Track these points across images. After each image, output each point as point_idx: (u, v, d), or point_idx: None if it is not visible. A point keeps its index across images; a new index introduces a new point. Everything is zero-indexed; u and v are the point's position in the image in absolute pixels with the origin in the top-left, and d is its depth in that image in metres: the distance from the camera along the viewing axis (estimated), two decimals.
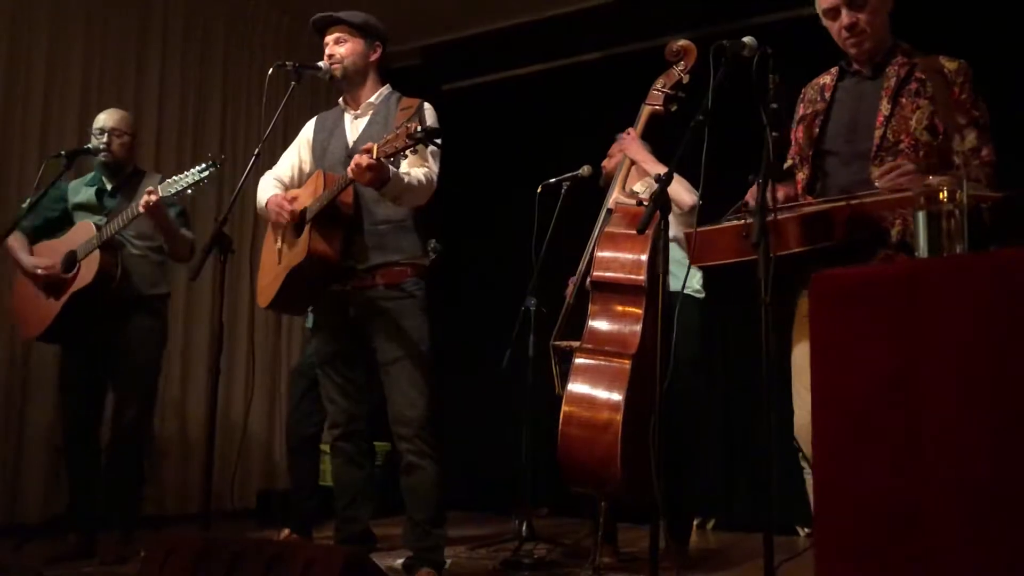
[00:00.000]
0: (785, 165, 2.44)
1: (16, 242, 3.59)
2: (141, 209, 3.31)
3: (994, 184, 2.07)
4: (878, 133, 2.19)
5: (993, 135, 2.18)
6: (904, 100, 2.19)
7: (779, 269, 1.95)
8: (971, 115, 2.15)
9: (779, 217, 2.01)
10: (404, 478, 2.92)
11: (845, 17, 2.23)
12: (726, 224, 2.19)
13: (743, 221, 2.16)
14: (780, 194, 2.17)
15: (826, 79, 2.40)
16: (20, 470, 4.28)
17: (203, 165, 3.29)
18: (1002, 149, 2.17)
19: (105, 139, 3.61)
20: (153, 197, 3.29)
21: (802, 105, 2.44)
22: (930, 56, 2.23)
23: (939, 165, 2.09)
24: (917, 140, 2.15)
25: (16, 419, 4.30)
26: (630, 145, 3.28)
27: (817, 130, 2.33)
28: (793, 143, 2.44)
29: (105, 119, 3.67)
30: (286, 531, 3.95)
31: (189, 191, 3.32)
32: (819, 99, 2.38)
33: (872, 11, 2.22)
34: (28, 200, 3.55)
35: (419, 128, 2.51)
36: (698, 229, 2.21)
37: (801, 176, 2.35)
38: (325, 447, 4.18)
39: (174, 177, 3.35)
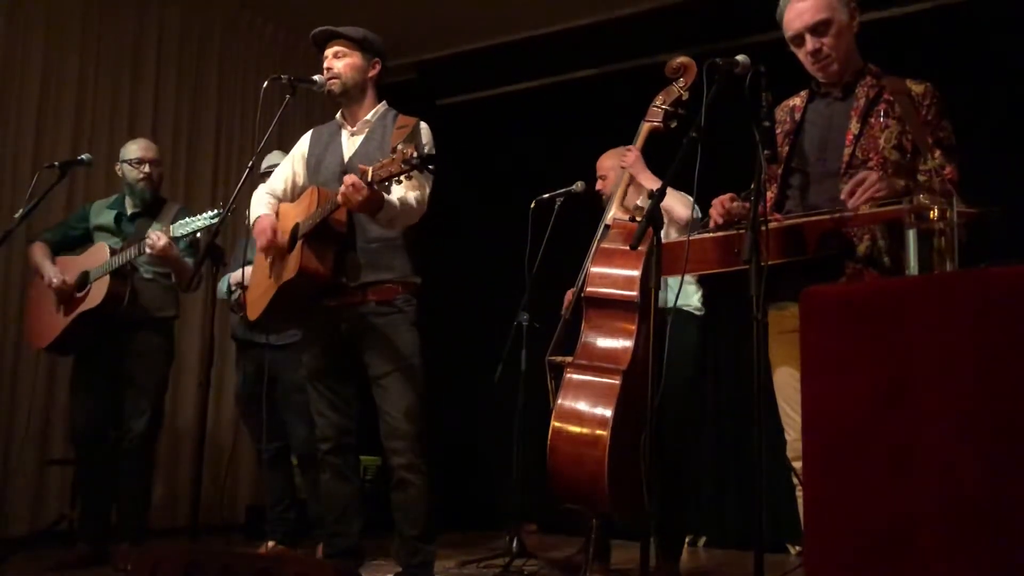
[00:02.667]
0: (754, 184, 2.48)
1: (39, 250, 3.75)
2: (149, 250, 3.45)
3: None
4: (847, 151, 2.23)
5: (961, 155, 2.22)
6: (873, 120, 2.24)
7: (748, 283, 1.98)
8: (936, 136, 2.20)
9: (741, 232, 2.04)
10: (395, 493, 2.90)
11: (810, 43, 2.28)
12: (697, 236, 2.24)
13: (714, 234, 2.21)
14: (738, 205, 2.21)
15: (796, 100, 2.44)
16: (6, 483, 4.24)
17: (215, 211, 3.42)
18: (969, 167, 2.21)
19: (146, 168, 3.77)
20: (161, 242, 3.42)
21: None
22: (897, 78, 2.29)
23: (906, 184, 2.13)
24: (885, 159, 2.20)
25: (2, 431, 4.27)
26: (632, 162, 3.29)
27: (787, 149, 2.36)
28: None
29: (144, 150, 3.82)
30: (271, 543, 3.93)
31: (198, 233, 3.47)
32: (788, 120, 2.41)
33: (836, 36, 2.26)
34: (20, 211, 3.59)
35: (415, 155, 2.50)
36: (669, 241, 2.25)
37: (770, 195, 2.38)
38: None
39: (186, 219, 3.47)
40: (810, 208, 2.22)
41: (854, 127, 2.24)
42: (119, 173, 3.85)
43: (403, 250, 2.94)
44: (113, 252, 3.58)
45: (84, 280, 3.61)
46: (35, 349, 3.93)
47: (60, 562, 3.51)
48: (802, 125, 2.37)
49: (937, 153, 2.17)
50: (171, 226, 3.47)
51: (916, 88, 2.25)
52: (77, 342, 3.67)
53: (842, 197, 2.08)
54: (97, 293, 3.55)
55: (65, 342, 3.66)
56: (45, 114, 4.58)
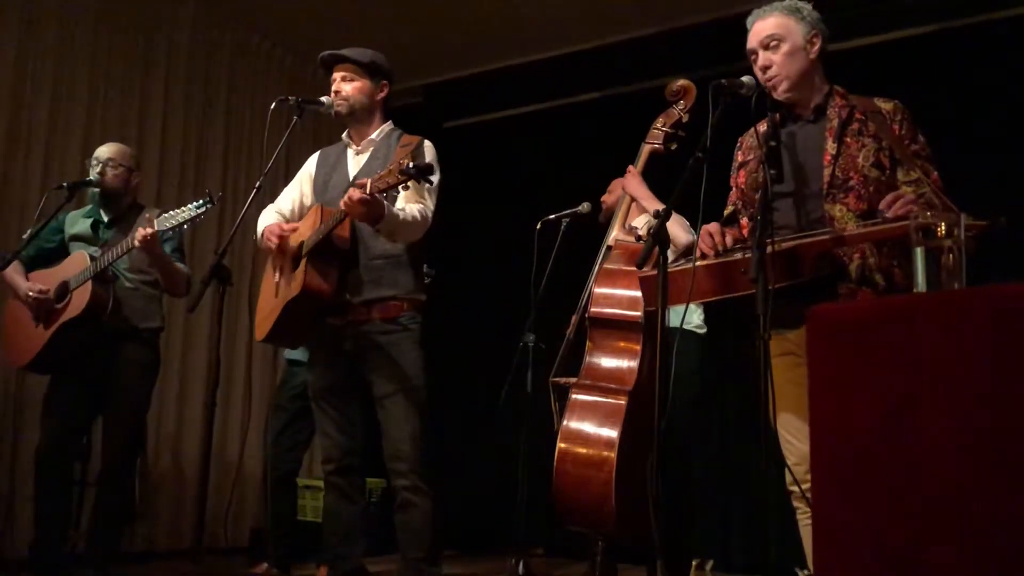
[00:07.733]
0: (726, 212, 2.49)
1: (13, 269, 3.58)
2: (137, 242, 3.30)
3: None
4: (827, 172, 2.22)
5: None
6: (849, 139, 2.24)
7: (747, 307, 1.96)
8: (912, 148, 2.21)
9: (746, 256, 2.02)
10: (398, 515, 2.88)
11: (760, 58, 2.31)
12: (678, 268, 2.21)
13: (707, 262, 2.17)
14: (729, 239, 2.20)
15: (763, 127, 2.42)
16: (12, 503, 4.21)
17: (200, 201, 3.31)
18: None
19: (99, 169, 3.63)
20: (149, 230, 3.28)
21: (740, 152, 2.49)
22: (864, 98, 2.30)
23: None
24: (865, 177, 2.19)
25: (8, 450, 4.26)
26: (630, 182, 3.30)
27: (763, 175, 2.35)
28: (734, 189, 2.49)
29: (102, 150, 3.69)
30: (264, 566, 3.89)
31: (185, 226, 3.33)
32: (759, 145, 2.39)
33: (787, 54, 2.28)
34: (29, 232, 3.57)
35: (411, 164, 2.52)
36: (670, 270, 2.22)
37: (745, 220, 2.38)
38: (303, 482, 4.15)
39: (171, 212, 3.34)
40: (796, 231, 2.20)
41: (830, 147, 2.24)
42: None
43: (408, 267, 2.94)
44: (93, 259, 3.42)
45: (64, 290, 3.44)
46: (13, 367, 3.76)
47: None
48: None
49: (916, 165, 2.18)
50: (156, 220, 3.31)
51: (885, 106, 2.26)
52: (58, 358, 3.46)
53: (880, 207, 2.05)
54: (79, 300, 3.37)
55: (46, 358, 3.45)
56: (54, 135, 4.61)
